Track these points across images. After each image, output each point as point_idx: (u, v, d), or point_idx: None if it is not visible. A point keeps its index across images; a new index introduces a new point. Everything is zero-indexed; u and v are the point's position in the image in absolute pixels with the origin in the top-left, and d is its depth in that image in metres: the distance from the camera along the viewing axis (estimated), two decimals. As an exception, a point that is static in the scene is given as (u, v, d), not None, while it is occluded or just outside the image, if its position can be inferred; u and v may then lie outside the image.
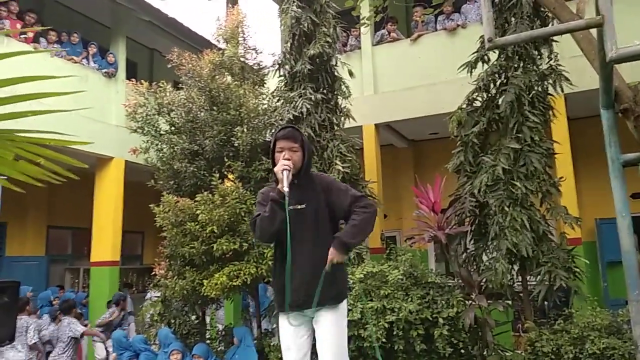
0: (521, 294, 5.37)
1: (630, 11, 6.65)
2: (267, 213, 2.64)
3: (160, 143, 6.52)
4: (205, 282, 5.56)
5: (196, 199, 5.66)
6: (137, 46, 11.74)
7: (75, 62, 8.83)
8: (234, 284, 5.51)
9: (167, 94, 6.45)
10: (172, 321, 6.63)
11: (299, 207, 2.71)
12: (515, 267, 5.33)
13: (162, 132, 6.58)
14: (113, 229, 8.90)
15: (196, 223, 5.55)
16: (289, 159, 2.67)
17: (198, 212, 5.53)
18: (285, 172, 2.61)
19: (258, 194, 2.94)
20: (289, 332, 2.79)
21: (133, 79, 7.59)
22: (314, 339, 2.83)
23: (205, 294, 5.63)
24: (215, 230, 5.50)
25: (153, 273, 6.49)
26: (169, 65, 6.65)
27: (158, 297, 6.94)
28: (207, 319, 7.35)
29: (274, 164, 2.74)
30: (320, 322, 2.75)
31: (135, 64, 11.85)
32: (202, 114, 6.33)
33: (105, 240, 8.87)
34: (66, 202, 10.50)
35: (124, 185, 9.18)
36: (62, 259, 11.60)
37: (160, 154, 6.49)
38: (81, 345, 8.01)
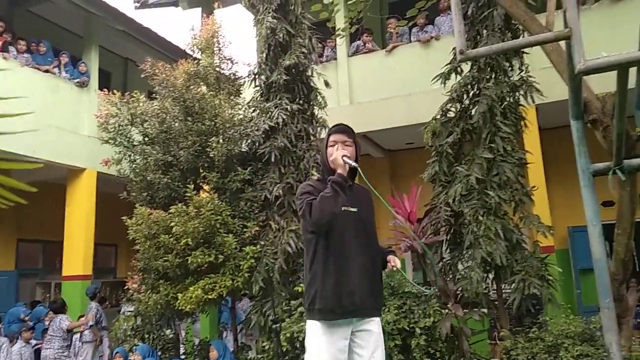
0: (496, 302, 5.42)
1: (599, 23, 6.85)
2: (328, 192, 2.50)
3: (133, 154, 6.40)
4: (179, 295, 5.46)
5: (170, 210, 5.57)
6: (110, 55, 11.59)
7: (47, 72, 8.66)
8: (210, 297, 5.43)
9: (141, 104, 6.35)
10: (147, 336, 6.49)
11: (352, 209, 2.65)
12: (490, 276, 5.37)
13: (135, 143, 6.47)
14: (85, 242, 8.70)
15: (170, 235, 5.46)
16: (345, 153, 2.64)
17: (172, 224, 5.44)
18: (345, 158, 2.60)
19: (302, 186, 2.78)
20: (334, 347, 2.54)
21: (106, 89, 7.48)
22: None
23: (180, 308, 5.53)
24: (190, 243, 5.42)
25: (126, 287, 6.35)
26: (143, 75, 6.56)
27: (131, 311, 6.79)
28: (183, 333, 7.23)
29: (326, 163, 2.73)
30: (366, 336, 2.60)
31: (109, 73, 11.69)
32: (177, 124, 6.25)
33: (77, 253, 8.66)
34: (36, 215, 10.22)
35: (96, 197, 9.00)
36: (33, 273, 11.29)
37: (133, 165, 6.37)
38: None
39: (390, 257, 2.77)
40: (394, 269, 2.74)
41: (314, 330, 2.63)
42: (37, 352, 7.72)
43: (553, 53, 3.71)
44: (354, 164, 2.60)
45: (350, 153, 2.68)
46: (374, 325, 2.64)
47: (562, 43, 3.12)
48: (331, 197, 2.50)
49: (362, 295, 2.57)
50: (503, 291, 5.31)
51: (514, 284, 5.06)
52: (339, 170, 2.57)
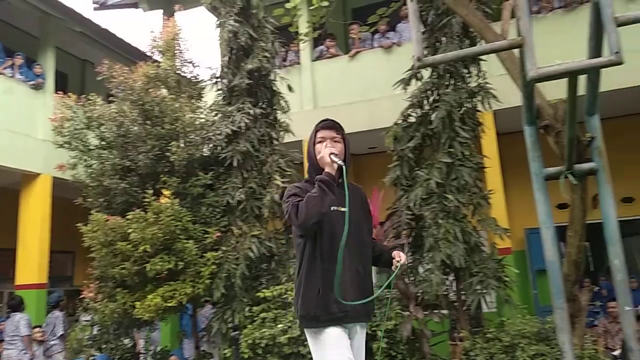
0: (456, 304, 5.51)
1: (554, 31, 7.08)
2: (315, 192, 2.37)
3: (89, 158, 6.21)
4: (137, 304, 5.32)
5: (128, 216, 5.43)
6: (67, 57, 11.24)
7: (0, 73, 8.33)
8: (169, 305, 5.32)
9: (97, 107, 6.17)
10: (104, 346, 6.30)
11: (342, 209, 2.41)
12: (450, 278, 5.46)
13: (91, 147, 6.28)
14: (40, 249, 8.39)
15: (127, 242, 5.32)
16: (332, 147, 2.50)
17: (130, 230, 5.31)
18: (333, 156, 2.43)
19: (290, 187, 2.61)
20: (338, 349, 2.40)
21: (63, 92, 7.24)
22: None
23: (138, 317, 5.39)
24: (149, 250, 5.30)
25: (82, 296, 6.15)
26: (99, 78, 6.39)
27: (88, 320, 6.59)
28: (142, 342, 7.04)
29: (314, 162, 2.56)
30: (353, 342, 2.48)
31: (66, 75, 11.34)
32: (135, 128, 6.10)
33: (32, 261, 8.34)
34: (-13, 222, 9.80)
35: (52, 203, 8.70)
36: (-17, 282, 10.79)
37: (90, 170, 6.18)
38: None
39: (395, 253, 2.58)
40: (399, 264, 2.53)
41: (309, 339, 2.52)
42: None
43: (507, 60, 3.81)
44: (340, 162, 2.43)
45: (339, 150, 2.53)
46: (362, 330, 2.57)
47: (516, 51, 3.21)
48: (318, 197, 2.36)
49: (352, 300, 2.41)
50: (462, 293, 5.40)
51: (472, 286, 5.15)
52: (327, 169, 2.43)
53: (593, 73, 2.65)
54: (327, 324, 2.41)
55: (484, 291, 5.12)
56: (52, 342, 7.75)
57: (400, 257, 2.55)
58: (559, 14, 7.53)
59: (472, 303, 5.12)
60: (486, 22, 4.08)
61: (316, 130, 2.62)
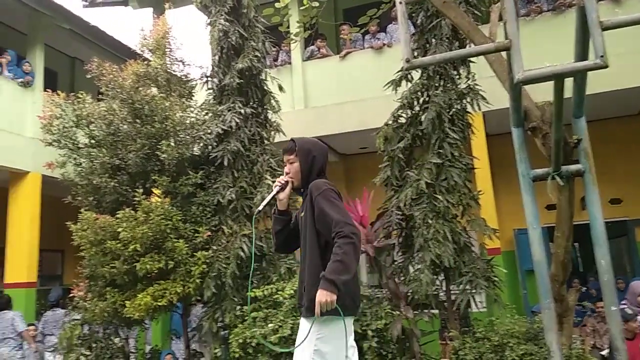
0: (446, 304, 5.55)
1: (542, 34, 7.15)
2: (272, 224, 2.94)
3: (78, 157, 6.17)
4: (127, 303, 5.31)
5: (118, 215, 5.41)
6: (57, 54, 11.15)
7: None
8: (159, 304, 5.31)
9: (86, 105, 6.13)
10: (94, 345, 6.27)
11: (301, 214, 2.80)
12: (440, 278, 5.50)
13: (80, 146, 6.23)
14: (29, 248, 8.33)
15: (117, 241, 5.29)
16: (287, 172, 2.85)
17: (120, 229, 5.28)
18: (275, 189, 2.82)
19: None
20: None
21: (52, 89, 7.19)
22: None
23: (128, 316, 5.38)
24: (139, 249, 5.28)
25: (71, 295, 6.11)
26: (88, 76, 6.35)
27: (78, 319, 6.55)
28: (132, 342, 7.01)
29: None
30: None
31: (56, 73, 11.25)
32: (125, 126, 6.07)
33: (21, 260, 8.28)
34: (-25, 220, 9.71)
35: (41, 201, 8.64)
36: (-28, 281, 10.69)
37: (79, 169, 6.15)
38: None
39: (318, 292, 2.42)
40: (323, 304, 2.40)
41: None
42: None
43: (495, 63, 3.84)
44: (260, 208, 2.91)
45: (294, 171, 2.83)
46: (303, 324, 2.71)
47: (505, 53, 3.25)
48: (272, 231, 2.95)
49: (299, 295, 2.81)
50: (451, 292, 5.44)
51: (461, 285, 5.19)
52: (278, 203, 2.86)
53: (579, 76, 2.70)
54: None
55: (474, 291, 5.16)
56: (55, 339, 7.68)
57: (320, 297, 2.41)
58: (547, 17, 7.60)
59: (461, 303, 5.16)
60: (475, 24, 4.10)
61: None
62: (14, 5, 8.76)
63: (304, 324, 2.72)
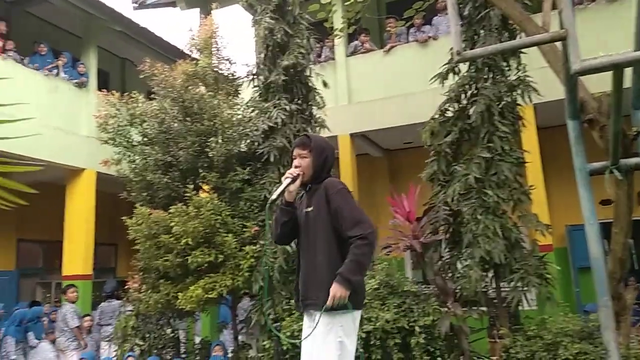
0: (495, 301, 5.44)
1: (596, 23, 6.87)
2: (272, 221, 2.86)
3: (132, 154, 6.42)
4: (180, 295, 5.48)
5: (170, 210, 5.58)
6: (108, 56, 11.60)
7: (47, 74, 8.65)
8: (210, 296, 5.46)
9: (139, 104, 6.36)
10: (147, 335, 6.51)
11: (308, 210, 2.83)
12: (489, 274, 5.40)
13: (134, 143, 6.48)
14: (85, 242, 8.72)
15: (170, 235, 5.48)
16: (298, 166, 2.87)
17: (172, 224, 5.46)
18: (286, 180, 2.81)
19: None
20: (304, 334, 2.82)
21: (105, 89, 7.49)
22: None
23: (180, 307, 5.55)
24: (190, 242, 5.44)
25: (127, 287, 6.37)
26: (142, 76, 6.57)
27: (131, 310, 6.81)
28: (181, 333, 7.24)
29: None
30: (307, 329, 2.77)
31: (107, 73, 11.70)
32: (176, 124, 6.26)
33: (77, 253, 8.68)
34: (37, 215, 10.22)
35: (96, 197, 9.01)
36: (33, 273, 11.30)
37: (133, 166, 6.39)
38: None
39: (332, 288, 2.57)
40: (337, 298, 2.56)
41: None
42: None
43: (549, 53, 3.73)
44: (273, 196, 2.78)
45: (305, 165, 2.88)
46: (315, 318, 2.70)
47: (559, 43, 3.15)
48: (274, 220, 2.93)
49: (305, 289, 2.80)
50: (502, 290, 5.33)
51: (512, 283, 5.08)
52: (285, 195, 2.83)
53: (639, 66, 2.59)
54: (296, 309, 2.89)
55: (525, 288, 5.04)
56: (111, 330, 8.01)
57: (335, 291, 2.56)
58: (602, 5, 7.29)
59: (512, 300, 5.05)
60: (526, 14, 3.99)
61: (292, 149, 3.02)
62: (69, 9, 9.15)
63: (313, 318, 2.73)
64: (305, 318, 2.84)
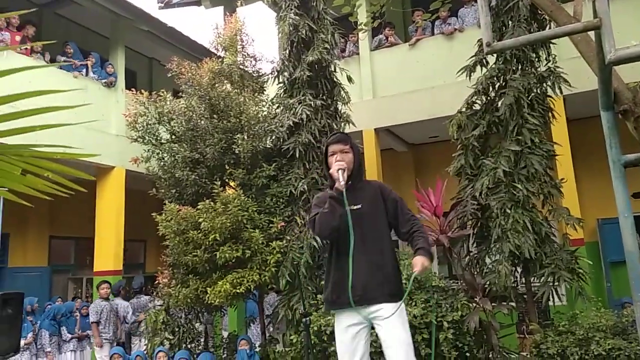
0: (525, 296, 5.37)
1: (626, 11, 6.68)
2: (326, 209, 2.81)
3: (161, 152, 6.52)
4: (209, 289, 5.56)
5: (198, 207, 5.66)
6: (136, 55, 11.78)
7: (76, 76, 8.83)
8: (238, 291, 5.52)
9: (167, 102, 6.45)
10: (177, 329, 6.62)
11: (354, 207, 2.87)
12: (519, 269, 5.32)
13: (162, 141, 6.58)
14: (115, 238, 8.90)
15: (198, 231, 5.55)
16: (341, 160, 2.90)
17: (200, 220, 5.53)
18: (340, 172, 2.83)
19: (314, 198, 3.15)
20: (345, 334, 2.87)
21: (133, 88, 7.62)
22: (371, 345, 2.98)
23: (209, 302, 5.63)
24: (218, 238, 5.51)
25: (156, 282, 6.49)
26: (169, 75, 6.66)
27: (161, 305, 6.93)
28: (207, 327, 7.34)
29: (328, 171, 2.96)
30: (383, 323, 2.80)
31: (135, 73, 11.89)
32: (203, 122, 6.34)
33: (108, 249, 8.87)
34: (68, 212, 10.50)
35: (125, 194, 9.19)
36: (65, 269, 11.61)
37: (162, 163, 6.49)
38: None
39: (414, 260, 2.81)
40: (413, 275, 2.80)
41: (335, 320, 2.99)
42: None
43: (581, 43, 3.64)
44: (342, 182, 2.79)
45: (348, 160, 2.93)
46: (386, 311, 2.78)
47: (591, 33, 3.07)
48: (329, 214, 2.80)
49: (364, 286, 2.80)
50: (532, 285, 5.25)
51: (543, 278, 5.00)
52: (337, 185, 2.83)
53: (679, 54, 2.51)
54: (338, 307, 2.92)
55: (556, 283, 4.96)
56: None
57: (416, 267, 2.77)
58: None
59: (542, 295, 4.97)
60: (557, 3, 3.90)
61: (327, 145, 3.03)
62: (96, 10, 9.33)
63: (382, 311, 2.80)
64: (348, 313, 2.86)
